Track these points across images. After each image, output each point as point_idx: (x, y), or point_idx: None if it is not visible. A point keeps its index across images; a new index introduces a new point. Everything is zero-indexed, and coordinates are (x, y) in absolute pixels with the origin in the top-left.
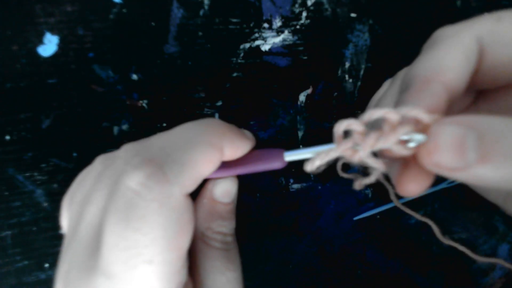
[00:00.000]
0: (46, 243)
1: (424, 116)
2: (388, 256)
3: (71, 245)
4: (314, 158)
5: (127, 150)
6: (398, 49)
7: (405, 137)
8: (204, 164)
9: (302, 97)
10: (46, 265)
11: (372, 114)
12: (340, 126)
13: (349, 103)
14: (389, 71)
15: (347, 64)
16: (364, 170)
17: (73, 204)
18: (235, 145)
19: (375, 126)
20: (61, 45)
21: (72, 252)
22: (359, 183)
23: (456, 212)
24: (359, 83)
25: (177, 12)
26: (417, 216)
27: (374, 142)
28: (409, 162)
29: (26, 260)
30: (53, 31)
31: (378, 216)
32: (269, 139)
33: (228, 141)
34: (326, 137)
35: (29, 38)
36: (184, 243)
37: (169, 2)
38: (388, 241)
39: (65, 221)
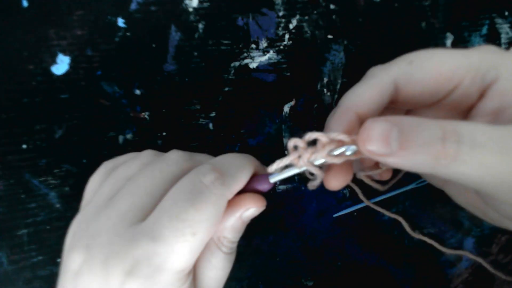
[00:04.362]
0: (59, 240)
1: (343, 138)
2: (365, 249)
3: (104, 213)
4: (274, 164)
5: (178, 153)
6: (370, 66)
7: (337, 151)
8: (244, 183)
9: (286, 109)
10: (59, 260)
11: (310, 136)
12: (291, 143)
13: (327, 113)
14: None
15: (325, 80)
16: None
17: (113, 179)
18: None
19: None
20: (72, 64)
21: (107, 219)
22: (311, 185)
23: (425, 210)
24: (336, 96)
25: (175, 35)
26: (387, 213)
27: (310, 155)
28: (332, 167)
29: (41, 255)
30: (65, 52)
31: (355, 213)
32: (257, 145)
33: (257, 169)
34: None
35: (44, 59)
36: (212, 233)
37: (168, 26)
38: (364, 235)
39: (98, 191)
